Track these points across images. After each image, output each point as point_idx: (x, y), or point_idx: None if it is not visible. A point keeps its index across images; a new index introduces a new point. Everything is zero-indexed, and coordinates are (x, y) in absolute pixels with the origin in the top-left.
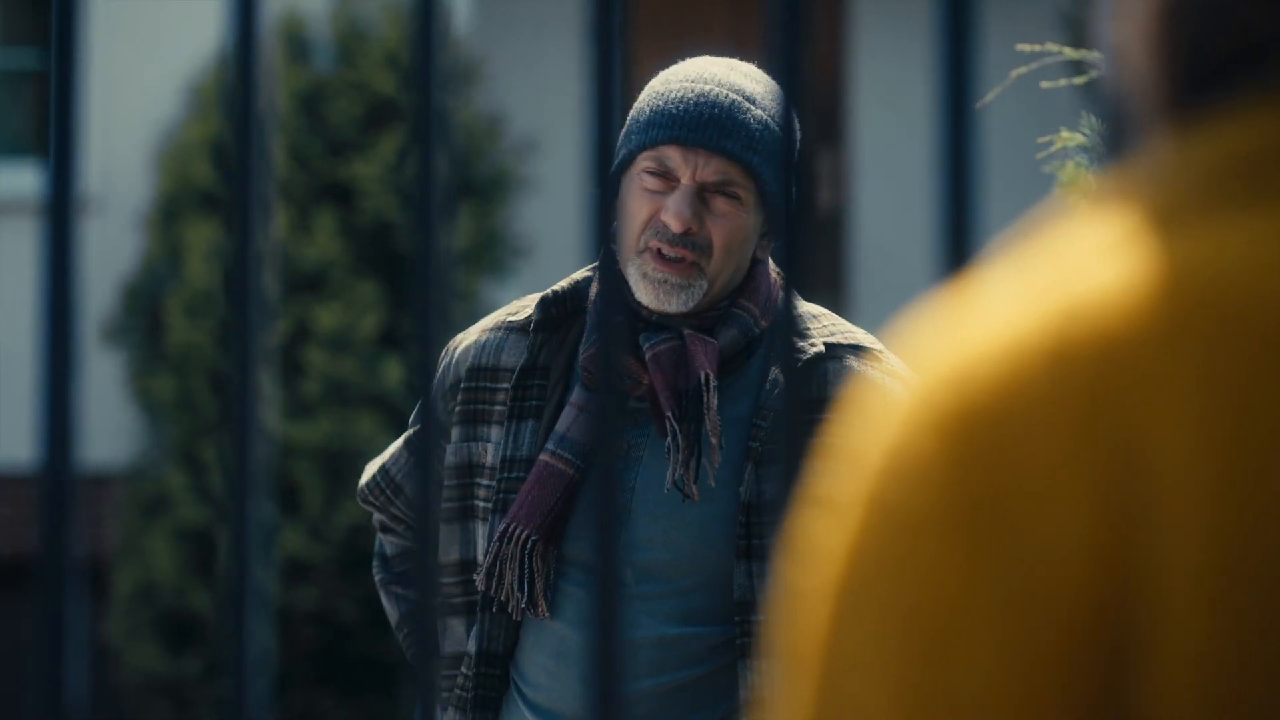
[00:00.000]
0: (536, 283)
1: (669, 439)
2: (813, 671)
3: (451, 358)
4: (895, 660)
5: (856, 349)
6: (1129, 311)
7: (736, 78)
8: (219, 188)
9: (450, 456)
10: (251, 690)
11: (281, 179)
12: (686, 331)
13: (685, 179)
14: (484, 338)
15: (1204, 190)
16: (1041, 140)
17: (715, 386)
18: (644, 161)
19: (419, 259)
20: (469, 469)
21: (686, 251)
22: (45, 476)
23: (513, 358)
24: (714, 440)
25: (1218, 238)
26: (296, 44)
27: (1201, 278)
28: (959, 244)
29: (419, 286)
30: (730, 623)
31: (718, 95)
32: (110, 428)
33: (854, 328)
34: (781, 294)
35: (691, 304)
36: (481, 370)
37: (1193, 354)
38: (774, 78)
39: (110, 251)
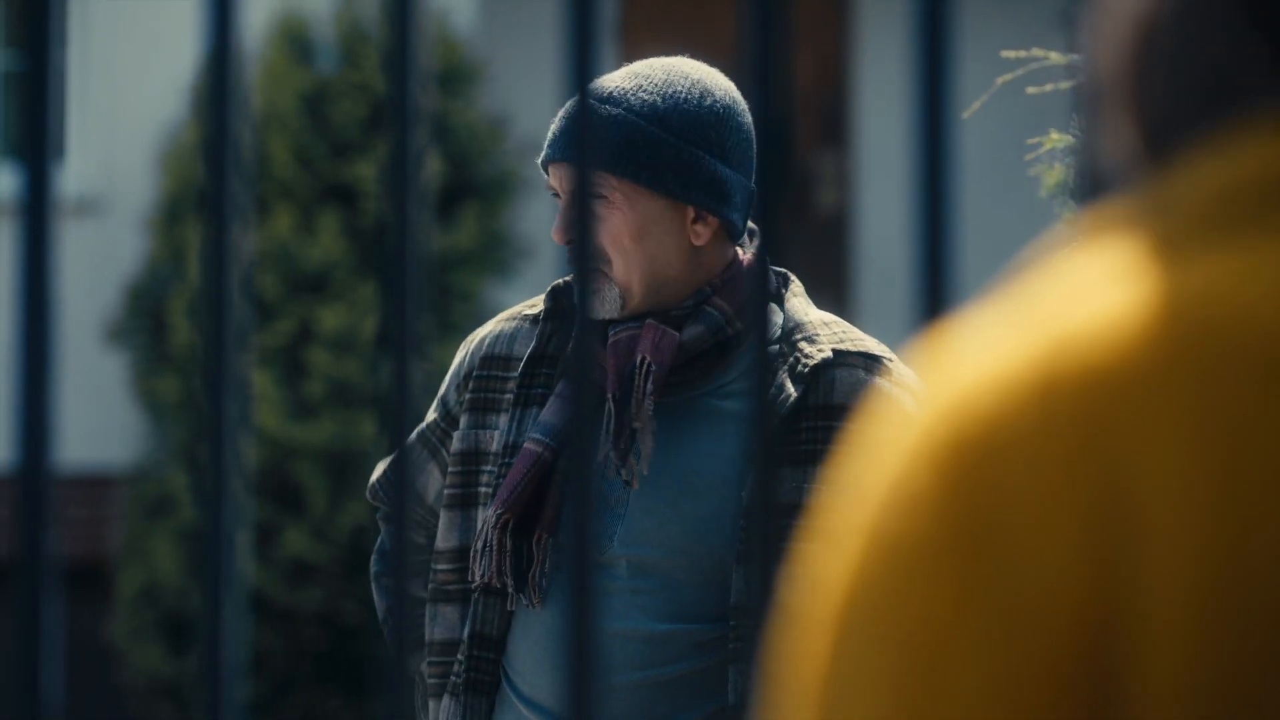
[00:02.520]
0: (540, 284)
1: (604, 420)
2: (812, 700)
3: (469, 349)
4: (889, 689)
5: (865, 357)
6: (1119, 345)
7: (608, 81)
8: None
9: (457, 444)
10: (229, 696)
11: (285, 180)
12: (647, 321)
13: (563, 194)
14: (500, 328)
15: (1192, 224)
16: (1031, 142)
17: (652, 372)
18: (550, 190)
19: (396, 259)
20: (475, 456)
21: None
22: (22, 477)
23: (525, 347)
24: (638, 425)
25: (1207, 271)
26: (300, 45)
27: (1191, 311)
28: (936, 258)
29: (397, 289)
30: (721, 620)
31: (569, 108)
32: (114, 429)
33: (864, 336)
34: (776, 298)
35: (612, 308)
36: (494, 359)
37: (1182, 387)
38: (749, 69)
39: (114, 252)
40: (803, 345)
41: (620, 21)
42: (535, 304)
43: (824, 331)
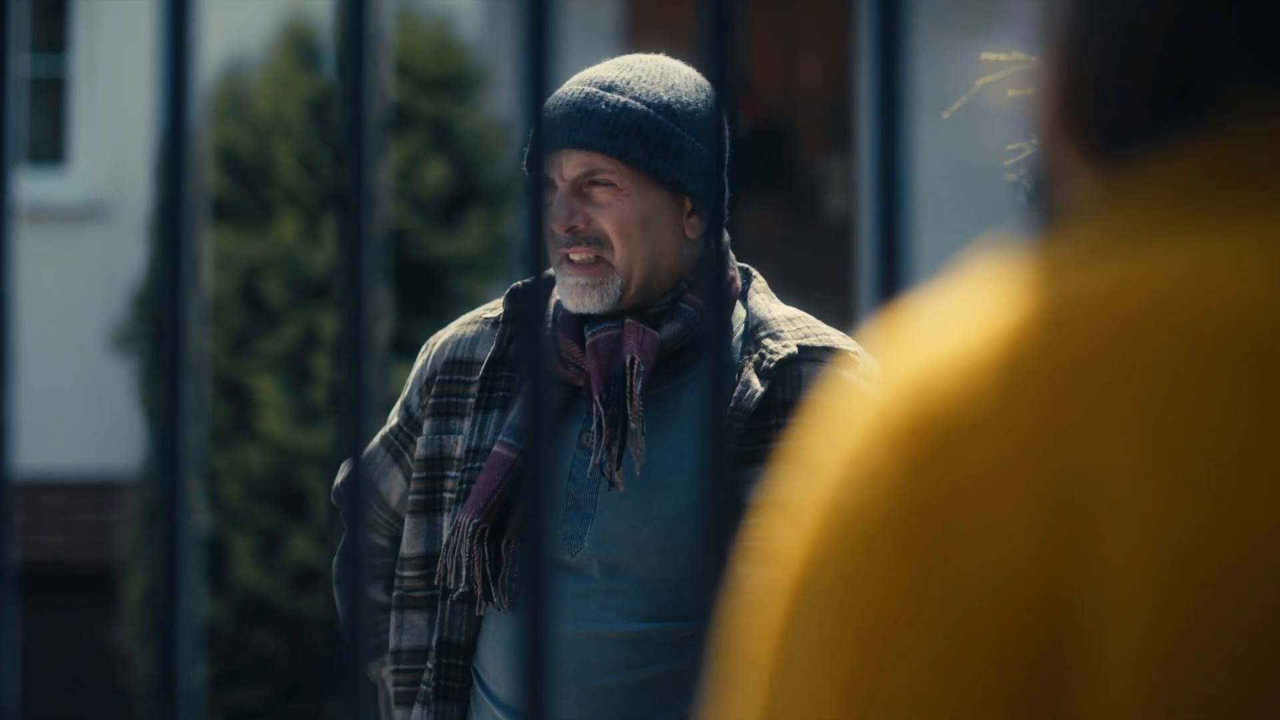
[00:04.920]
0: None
1: (594, 423)
2: (763, 672)
3: (430, 352)
4: (839, 664)
5: (831, 351)
6: (1083, 326)
7: (604, 71)
8: (229, 195)
9: (421, 449)
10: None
11: (291, 186)
12: (627, 320)
13: (559, 182)
14: (461, 332)
15: (1157, 211)
16: (1011, 147)
17: (641, 372)
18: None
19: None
20: (439, 461)
21: (585, 249)
22: None
23: (486, 351)
24: (634, 425)
25: (1172, 255)
26: (305, 51)
27: (1159, 294)
28: (892, 254)
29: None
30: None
31: (571, 94)
32: (120, 435)
33: (830, 330)
34: (740, 294)
35: (610, 300)
36: (456, 364)
37: (1149, 374)
38: (707, 68)
39: (120, 259)
40: (767, 342)
41: (627, 25)
42: (496, 307)
43: (788, 328)
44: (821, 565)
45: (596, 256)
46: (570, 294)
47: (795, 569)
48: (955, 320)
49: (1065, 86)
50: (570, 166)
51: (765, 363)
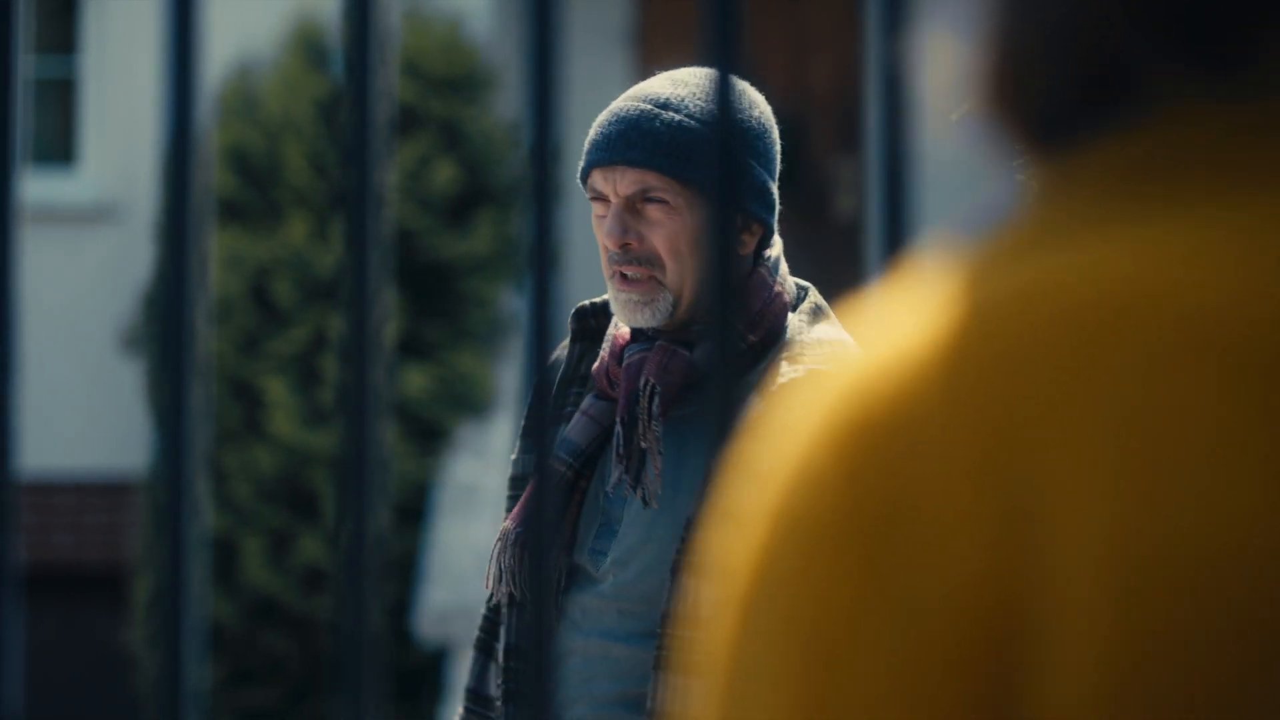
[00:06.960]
0: (557, 291)
1: (614, 442)
2: (716, 682)
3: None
4: (790, 671)
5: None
6: (1028, 321)
7: (658, 87)
8: (239, 196)
9: (511, 468)
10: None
11: (300, 187)
12: (658, 343)
13: (611, 198)
14: (560, 353)
15: (1095, 204)
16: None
17: (656, 393)
18: (587, 193)
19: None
20: (523, 481)
21: (638, 268)
22: None
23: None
24: (643, 445)
25: (1114, 249)
26: (315, 52)
27: (1105, 288)
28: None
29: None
30: None
31: (626, 110)
32: (130, 436)
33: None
34: (786, 310)
35: (662, 317)
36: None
37: (1092, 366)
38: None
39: (130, 260)
40: (783, 364)
41: (637, 28)
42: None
43: (810, 351)
44: (768, 574)
45: (648, 274)
46: (622, 310)
47: (745, 578)
48: (897, 320)
49: (1000, 73)
50: (624, 184)
51: (773, 385)
